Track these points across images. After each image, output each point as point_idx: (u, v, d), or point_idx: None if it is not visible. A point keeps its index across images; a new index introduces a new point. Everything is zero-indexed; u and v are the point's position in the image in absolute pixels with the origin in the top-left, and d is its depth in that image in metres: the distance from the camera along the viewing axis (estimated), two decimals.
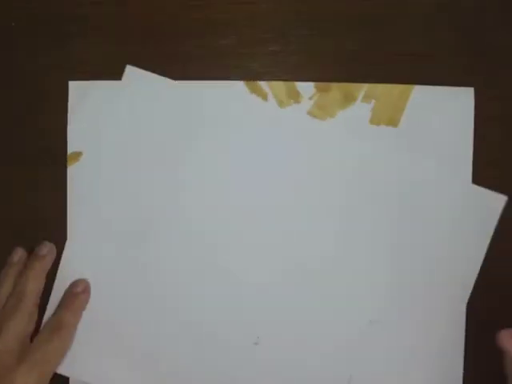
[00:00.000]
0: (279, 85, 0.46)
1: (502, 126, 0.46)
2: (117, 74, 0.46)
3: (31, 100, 0.47)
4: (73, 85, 0.46)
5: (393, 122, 0.45)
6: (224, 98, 0.45)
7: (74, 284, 0.45)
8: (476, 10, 0.46)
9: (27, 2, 0.47)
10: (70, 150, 0.46)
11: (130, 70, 0.46)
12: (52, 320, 0.44)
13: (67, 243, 0.46)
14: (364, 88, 0.45)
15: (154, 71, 0.46)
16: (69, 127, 0.46)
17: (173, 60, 0.46)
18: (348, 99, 0.45)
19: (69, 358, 0.45)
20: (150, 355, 0.45)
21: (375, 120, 0.45)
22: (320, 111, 0.45)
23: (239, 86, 0.46)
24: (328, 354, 0.44)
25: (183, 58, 0.46)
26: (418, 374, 0.44)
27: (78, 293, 0.45)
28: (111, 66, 0.46)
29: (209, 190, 0.45)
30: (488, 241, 0.44)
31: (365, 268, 0.45)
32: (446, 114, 0.45)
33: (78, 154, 0.46)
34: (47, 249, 0.45)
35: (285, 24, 0.46)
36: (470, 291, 0.44)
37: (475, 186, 0.44)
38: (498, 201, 0.44)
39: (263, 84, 0.46)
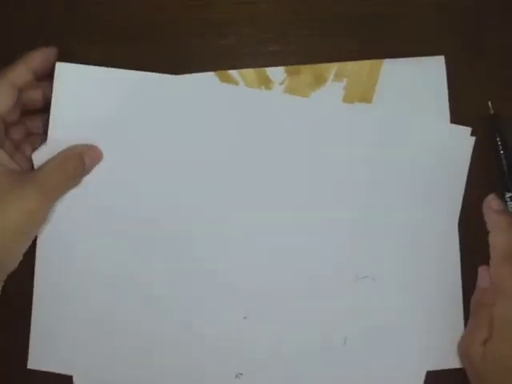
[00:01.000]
0: (249, 72, 0.45)
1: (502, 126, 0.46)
2: None
3: None
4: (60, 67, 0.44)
5: (366, 98, 0.45)
6: (195, 88, 0.45)
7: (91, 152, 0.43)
8: (476, 10, 0.46)
9: (27, 2, 0.47)
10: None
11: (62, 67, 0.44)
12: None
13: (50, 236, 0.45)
14: (334, 67, 0.45)
15: (154, 71, 0.46)
16: (52, 111, 0.44)
17: (173, 60, 0.46)
18: (319, 80, 0.45)
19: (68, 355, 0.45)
20: (139, 330, 0.45)
21: (348, 98, 0.45)
22: (292, 94, 0.45)
23: (210, 76, 0.45)
24: (319, 321, 0.45)
25: (183, 57, 0.46)
26: (416, 327, 0.45)
27: (86, 166, 0.43)
28: (111, 66, 0.46)
29: (186, 178, 0.45)
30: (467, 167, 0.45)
31: (350, 224, 0.45)
32: (418, 84, 0.45)
33: None
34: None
35: (285, 24, 0.46)
36: (457, 236, 0.45)
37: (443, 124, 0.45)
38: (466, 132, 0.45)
39: (234, 73, 0.45)
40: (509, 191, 0.44)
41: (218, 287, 0.45)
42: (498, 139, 0.45)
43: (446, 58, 0.45)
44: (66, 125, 0.44)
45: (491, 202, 0.43)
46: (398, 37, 0.46)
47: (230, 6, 0.46)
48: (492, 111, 0.45)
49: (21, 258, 0.42)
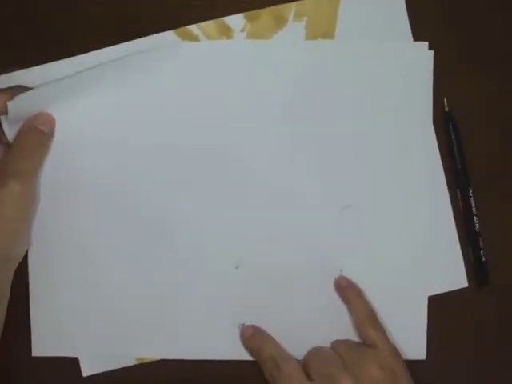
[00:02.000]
0: (208, 24, 0.45)
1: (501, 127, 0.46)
2: None
3: None
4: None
5: (328, 34, 0.45)
6: (158, 54, 0.45)
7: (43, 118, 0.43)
8: (476, 10, 0.46)
9: (27, 2, 0.47)
10: None
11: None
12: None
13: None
14: (293, 7, 0.45)
15: None
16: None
17: None
18: (279, 22, 0.45)
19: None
20: (134, 280, 0.45)
21: (310, 35, 0.45)
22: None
23: (170, 36, 0.45)
24: (313, 259, 0.45)
25: None
26: (411, 251, 0.45)
27: (45, 133, 0.43)
28: None
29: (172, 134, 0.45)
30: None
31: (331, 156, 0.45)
32: (379, 13, 0.45)
33: None
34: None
35: None
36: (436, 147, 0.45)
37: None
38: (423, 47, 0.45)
39: (193, 27, 0.45)
40: (462, 187, 0.45)
41: (210, 236, 0.45)
42: (453, 137, 0.45)
43: (445, 57, 0.45)
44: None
45: (339, 281, 0.45)
46: None
47: (230, 5, 0.46)
48: (447, 109, 0.45)
49: (27, 244, 0.43)
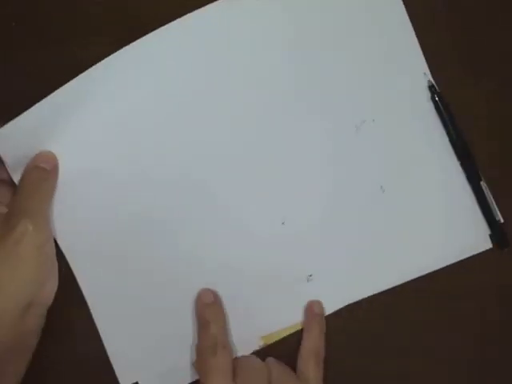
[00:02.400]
0: None
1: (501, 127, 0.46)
2: None
3: (31, 100, 0.46)
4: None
5: None
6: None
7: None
8: (476, 10, 0.46)
9: (27, 2, 0.46)
10: None
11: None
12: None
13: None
14: None
15: None
16: None
17: None
18: None
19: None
20: (183, 233, 0.45)
21: None
22: None
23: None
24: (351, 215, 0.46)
25: None
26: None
27: (47, 171, 0.43)
28: None
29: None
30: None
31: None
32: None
33: None
34: None
35: None
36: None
37: None
38: None
39: None
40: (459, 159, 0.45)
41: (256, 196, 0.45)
42: (442, 110, 0.45)
43: (445, 57, 0.46)
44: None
45: (313, 306, 0.45)
46: None
47: None
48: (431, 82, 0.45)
49: (53, 285, 0.43)
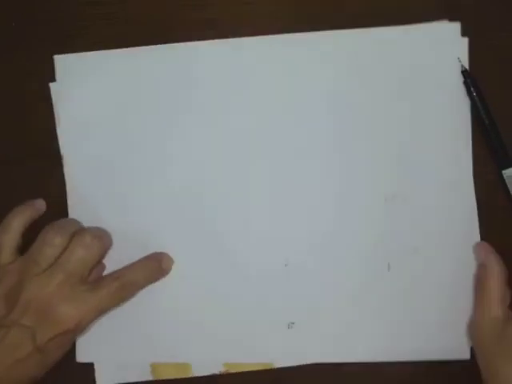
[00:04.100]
0: None
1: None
2: None
3: (31, 100, 0.47)
4: (58, 58, 0.46)
5: None
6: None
7: (166, 259, 0.45)
8: (476, 9, 0.46)
9: (28, 2, 0.47)
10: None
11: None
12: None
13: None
14: None
15: None
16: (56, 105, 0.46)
17: None
18: None
19: None
20: (183, 281, 0.46)
21: None
22: None
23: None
24: (361, 258, 0.45)
25: None
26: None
27: (162, 270, 0.45)
28: None
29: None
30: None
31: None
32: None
33: None
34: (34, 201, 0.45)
35: (285, 24, 0.46)
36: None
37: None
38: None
39: None
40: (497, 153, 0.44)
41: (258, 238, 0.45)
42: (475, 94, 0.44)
43: None
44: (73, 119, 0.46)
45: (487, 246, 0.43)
46: None
47: (230, 5, 0.46)
48: (463, 68, 0.44)
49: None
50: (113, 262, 0.45)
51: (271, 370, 0.45)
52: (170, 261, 0.45)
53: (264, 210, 0.45)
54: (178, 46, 0.46)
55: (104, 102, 0.46)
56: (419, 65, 0.45)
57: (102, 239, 0.43)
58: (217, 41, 0.45)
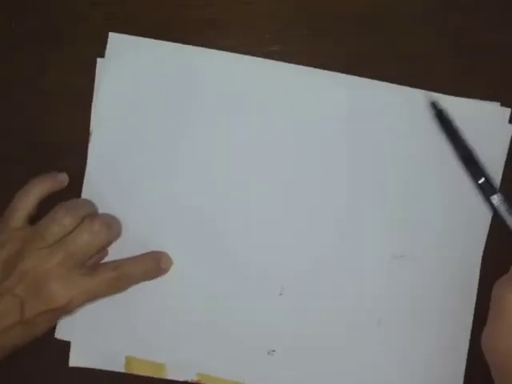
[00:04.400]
0: None
1: None
2: None
3: (31, 100, 0.47)
4: (112, 36, 0.46)
5: None
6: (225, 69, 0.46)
7: (166, 259, 0.45)
8: (476, 10, 0.46)
9: (27, 2, 0.47)
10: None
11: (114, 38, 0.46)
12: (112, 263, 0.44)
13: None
14: None
15: None
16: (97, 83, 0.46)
17: None
18: None
19: None
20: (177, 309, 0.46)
21: None
22: None
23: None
24: (353, 300, 0.45)
25: None
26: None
27: (161, 269, 0.45)
28: None
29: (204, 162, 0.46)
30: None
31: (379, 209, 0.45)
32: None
33: None
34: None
35: (285, 24, 0.46)
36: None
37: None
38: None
39: None
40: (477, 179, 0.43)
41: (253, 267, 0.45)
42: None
43: (445, 57, 0.45)
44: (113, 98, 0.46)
45: None
46: (398, 36, 0.46)
47: (230, 5, 0.46)
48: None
49: None
50: (112, 254, 0.45)
51: None
52: (169, 261, 0.45)
53: (261, 240, 0.45)
54: (228, 56, 0.46)
55: (142, 89, 0.46)
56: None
57: (111, 228, 0.43)
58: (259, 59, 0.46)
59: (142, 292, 0.45)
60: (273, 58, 0.46)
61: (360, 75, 0.46)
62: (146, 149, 0.46)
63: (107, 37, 0.46)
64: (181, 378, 0.46)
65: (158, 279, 0.45)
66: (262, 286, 0.45)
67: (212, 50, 0.46)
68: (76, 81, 0.46)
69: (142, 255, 0.45)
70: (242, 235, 0.45)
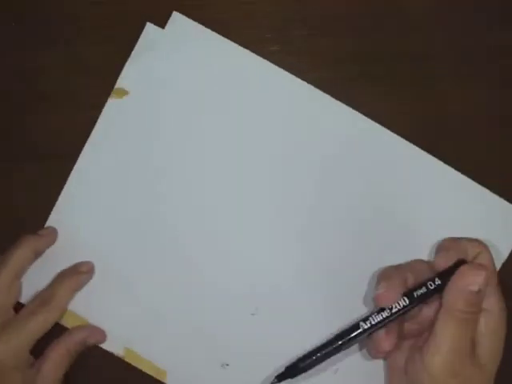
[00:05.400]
0: None
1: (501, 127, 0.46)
2: (116, 74, 0.46)
3: (31, 100, 0.47)
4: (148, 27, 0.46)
5: None
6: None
7: (79, 263, 0.44)
8: (475, 10, 0.46)
9: (27, 1, 0.47)
10: (118, 85, 0.46)
11: (177, 18, 0.46)
12: (44, 292, 0.43)
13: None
14: None
15: None
16: (127, 65, 0.46)
17: None
18: None
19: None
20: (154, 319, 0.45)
21: None
22: None
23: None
24: (326, 320, 0.44)
25: None
26: None
27: (81, 272, 0.44)
28: (111, 65, 0.46)
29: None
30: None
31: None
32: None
33: (123, 92, 0.46)
34: (46, 231, 0.45)
35: (285, 24, 0.46)
36: None
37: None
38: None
39: None
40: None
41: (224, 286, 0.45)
42: None
43: (445, 57, 0.46)
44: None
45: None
46: (398, 37, 0.46)
47: (230, 6, 0.46)
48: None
49: None
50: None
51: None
52: (89, 263, 0.45)
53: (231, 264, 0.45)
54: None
55: (180, 77, 0.46)
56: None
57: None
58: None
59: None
60: (273, 58, 0.46)
61: (359, 75, 0.46)
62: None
63: (107, 36, 0.46)
64: (109, 349, 0.45)
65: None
66: (235, 307, 0.45)
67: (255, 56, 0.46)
68: (76, 81, 0.46)
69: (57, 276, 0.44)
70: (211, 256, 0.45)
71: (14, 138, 0.47)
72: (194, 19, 0.46)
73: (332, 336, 0.41)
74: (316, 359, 0.41)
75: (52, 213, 0.45)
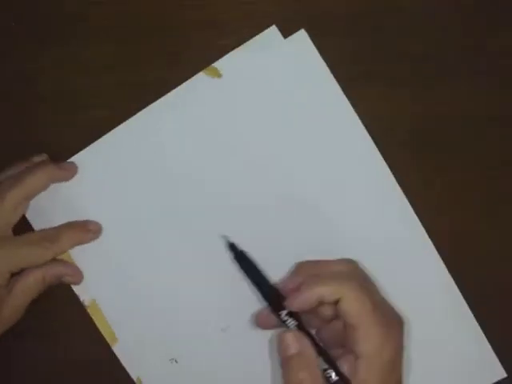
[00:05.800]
0: None
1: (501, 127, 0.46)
2: (116, 74, 0.46)
3: (31, 100, 0.47)
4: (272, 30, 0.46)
5: None
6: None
7: (89, 221, 0.45)
8: (476, 10, 0.46)
9: (27, 1, 0.47)
10: (215, 65, 0.46)
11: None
12: (49, 231, 0.43)
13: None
14: None
15: (153, 71, 0.46)
16: (234, 51, 0.46)
17: (173, 60, 0.46)
18: None
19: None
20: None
21: None
22: None
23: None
24: None
25: (183, 57, 0.46)
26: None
27: (89, 230, 0.44)
28: (111, 65, 0.46)
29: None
30: None
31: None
32: None
33: (216, 73, 0.46)
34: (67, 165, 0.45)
35: (285, 24, 0.46)
36: None
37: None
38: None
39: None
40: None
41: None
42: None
43: (446, 57, 0.46)
44: None
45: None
46: (398, 36, 0.46)
47: (230, 6, 0.46)
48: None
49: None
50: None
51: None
52: (98, 225, 0.45)
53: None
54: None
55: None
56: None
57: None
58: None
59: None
60: None
61: (359, 75, 0.46)
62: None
63: (107, 36, 0.46)
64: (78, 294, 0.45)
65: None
66: (205, 323, 0.45)
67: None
68: (76, 81, 0.46)
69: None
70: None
71: (14, 138, 0.47)
72: (194, 19, 0.46)
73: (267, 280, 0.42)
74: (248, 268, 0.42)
75: None
